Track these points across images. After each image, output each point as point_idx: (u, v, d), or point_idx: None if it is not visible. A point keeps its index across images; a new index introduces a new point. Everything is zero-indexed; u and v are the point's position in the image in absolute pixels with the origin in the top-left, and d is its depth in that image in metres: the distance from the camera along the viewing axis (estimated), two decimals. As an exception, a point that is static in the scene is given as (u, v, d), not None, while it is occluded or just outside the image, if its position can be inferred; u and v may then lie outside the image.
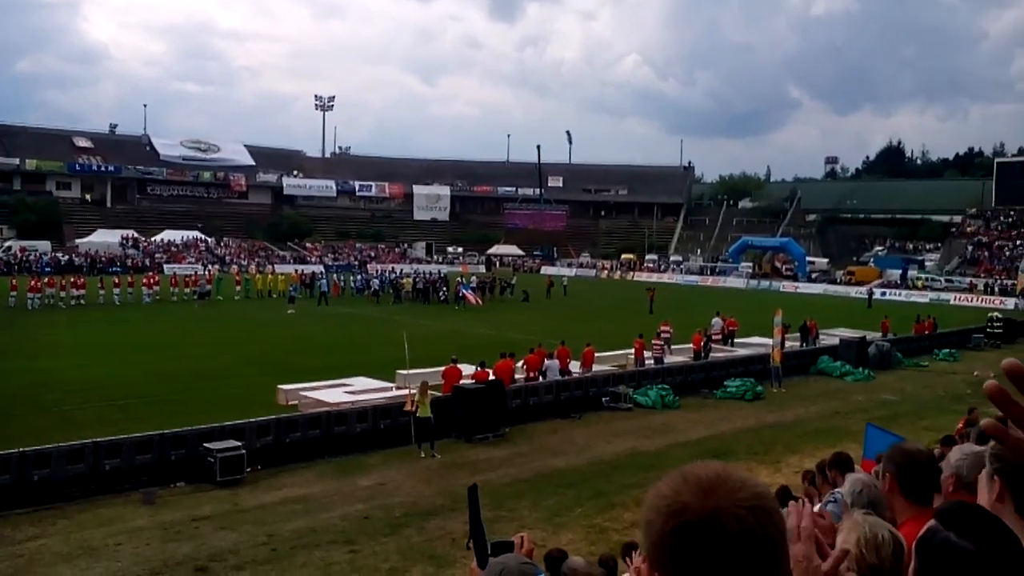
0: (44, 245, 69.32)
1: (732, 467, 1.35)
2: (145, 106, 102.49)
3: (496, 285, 54.31)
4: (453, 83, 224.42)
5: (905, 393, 25.53)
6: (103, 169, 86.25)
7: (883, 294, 62.31)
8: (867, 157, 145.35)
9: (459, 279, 53.90)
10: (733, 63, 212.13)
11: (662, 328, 29.29)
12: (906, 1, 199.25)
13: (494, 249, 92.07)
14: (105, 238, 73.11)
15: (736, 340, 32.93)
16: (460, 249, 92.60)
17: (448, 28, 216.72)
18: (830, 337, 33.61)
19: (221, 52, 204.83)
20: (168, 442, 15.26)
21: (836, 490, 5.28)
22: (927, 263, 75.46)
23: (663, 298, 47.19)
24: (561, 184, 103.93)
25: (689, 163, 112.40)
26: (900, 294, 63.38)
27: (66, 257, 66.80)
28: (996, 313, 42.02)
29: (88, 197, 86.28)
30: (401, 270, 64.02)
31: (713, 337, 31.10)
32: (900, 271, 69.80)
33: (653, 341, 27.86)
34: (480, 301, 47.24)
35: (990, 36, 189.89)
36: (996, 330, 37.79)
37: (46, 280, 45.46)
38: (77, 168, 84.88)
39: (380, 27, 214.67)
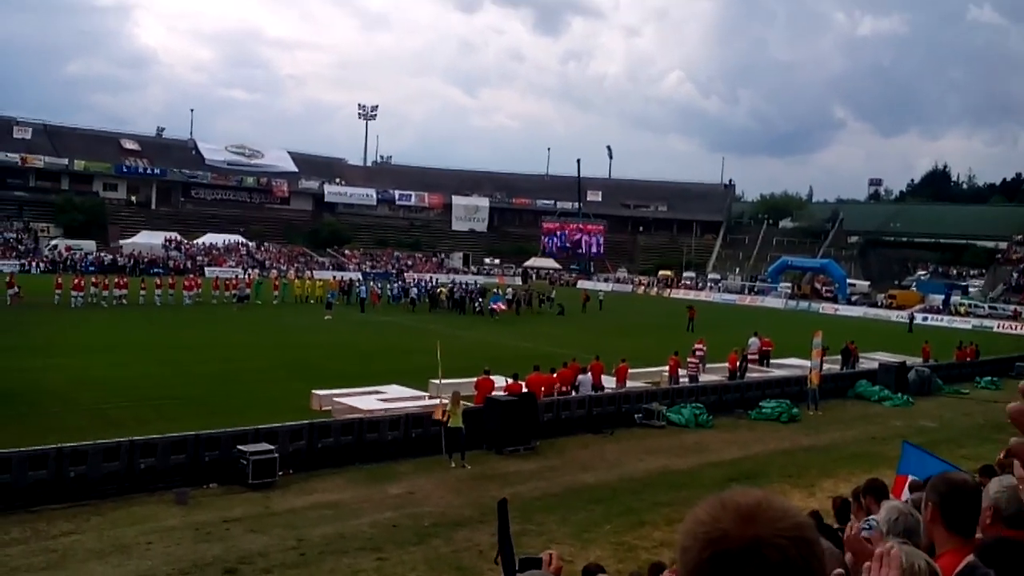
0: (89, 245, 70.54)
1: (772, 495, 1.32)
2: (192, 111, 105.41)
3: (533, 297, 54.26)
4: (495, 95, 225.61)
5: (944, 420, 25.07)
6: (149, 172, 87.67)
7: (924, 319, 61.35)
8: (912, 180, 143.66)
9: (495, 289, 54.14)
10: (777, 81, 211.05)
11: (697, 346, 29.13)
12: (955, 23, 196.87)
13: (531, 262, 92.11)
14: (149, 239, 74.21)
15: (773, 361, 32.59)
16: (497, 261, 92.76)
17: (491, 40, 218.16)
18: (869, 361, 33.14)
19: (268, 60, 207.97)
20: (202, 443, 15.40)
21: (871, 517, 5.19)
22: (971, 289, 74.19)
23: (701, 316, 46.83)
24: (600, 199, 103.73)
25: (730, 181, 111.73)
26: (942, 319, 62.35)
27: (110, 257, 67.91)
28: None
29: (134, 199, 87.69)
30: (438, 280, 64.37)
31: (749, 357, 30.81)
32: (943, 296, 68.68)
33: (688, 359, 27.70)
34: (506, 308, 47.41)
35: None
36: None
37: (92, 280, 46.23)
38: (124, 170, 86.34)
39: (424, 38, 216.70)
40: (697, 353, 28.73)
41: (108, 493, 14.10)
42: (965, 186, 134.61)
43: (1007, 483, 2.92)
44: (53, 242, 70.81)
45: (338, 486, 15.58)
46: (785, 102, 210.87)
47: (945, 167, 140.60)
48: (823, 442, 21.44)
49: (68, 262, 64.23)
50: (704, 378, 27.44)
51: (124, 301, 44.20)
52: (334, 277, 61.85)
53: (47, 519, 13.08)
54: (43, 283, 47.13)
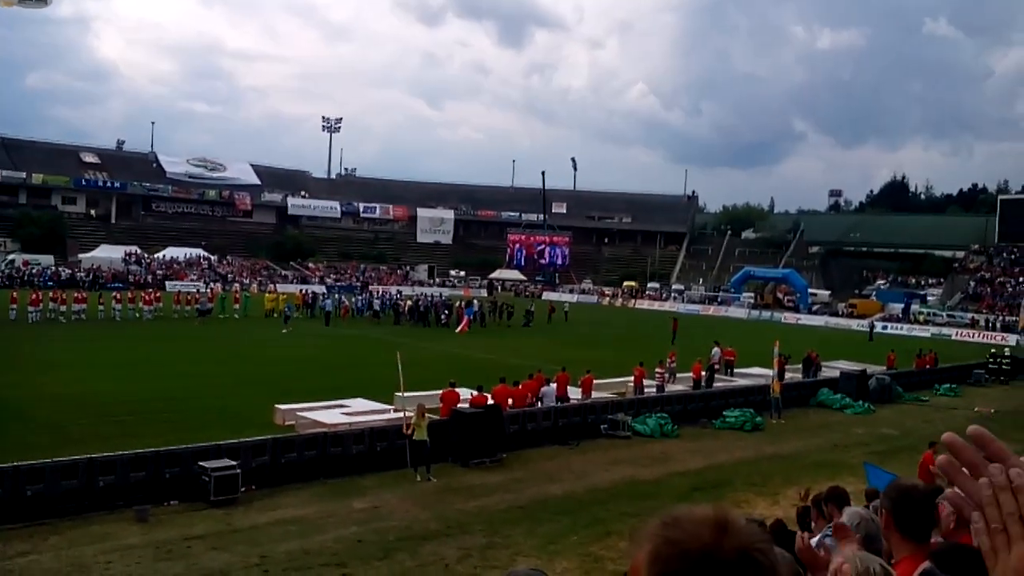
0: (47, 259, 69.38)
1: (727, 507, 1.34)
2: (153, 124, 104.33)
3: (502, 309, 54.08)
4: (460, 108, 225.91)
5: (905, 428, 25.39)
6: (109, 185, 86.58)
7: (884, 327, 62.20)
8: (871, 191, 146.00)
9: (473, 302, 54.36)
10: (739, 94, 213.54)
11: (670, 358, 29.49)
12: (912, 37, 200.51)
13: (496, 273, 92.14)
14: (108, 254, 73.16)
15: (736, 370, 32.85)
16: (462, 273, 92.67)
17: (455, 53, 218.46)
18: (830, 369, 33.50)
19: (229, 72, 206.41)
20: (163, 459, 15.18)
21: (832, 524, 5.24)
22: (929, 298, 75.39)
23: (663, 326, 47.08)
24: (565, 210, 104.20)
25: (693, 192, 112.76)
26: (902, 328, 63.25)
27: (68, 272, 66.85)
28: (1005, 348, 42.06)
29: (93, 212, 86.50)
30: (401, 292, 64.16)
31: (714, 367, 31.05)
32: (902, 305, 69.70)
33: (656, 369, 27.86)
34: (467, 328, 47.06)
35: (996, 74, 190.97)
36: (1002, 366, 37.76)
37: (50, 295, 45.46)
38: (83, 183, 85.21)
39: (387, 51, 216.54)
40: (670, 365, 29.09)
41: (67, 512, 13.82)
42: (923, 197, 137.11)
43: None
44: (10, 257, 69.57)
45: (302, 501, 15.42)
46: (747, 114, 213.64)
47: (903, 178, 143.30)
48: (786, 450, 21.64)
49: (25, 277, 63.13)
50: (670, 388, 27.63)
51: (83, 316, 43.52)
52: (300, 291, 61.40)
53: (3, 539, 12.80)
54: (-1, 298, 46.32)
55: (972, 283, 76.47)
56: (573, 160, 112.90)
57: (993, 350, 40.73)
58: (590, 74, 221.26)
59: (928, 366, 36.90)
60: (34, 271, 65.40)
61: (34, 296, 43.37)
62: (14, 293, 45.07)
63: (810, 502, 7.52)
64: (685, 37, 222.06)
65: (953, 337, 59.34)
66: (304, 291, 60.05)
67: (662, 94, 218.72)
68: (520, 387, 22.56)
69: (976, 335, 59.80)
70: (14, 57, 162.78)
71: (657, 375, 27.79)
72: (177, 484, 15.03)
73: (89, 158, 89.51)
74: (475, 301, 58.54)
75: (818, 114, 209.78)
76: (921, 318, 66.77)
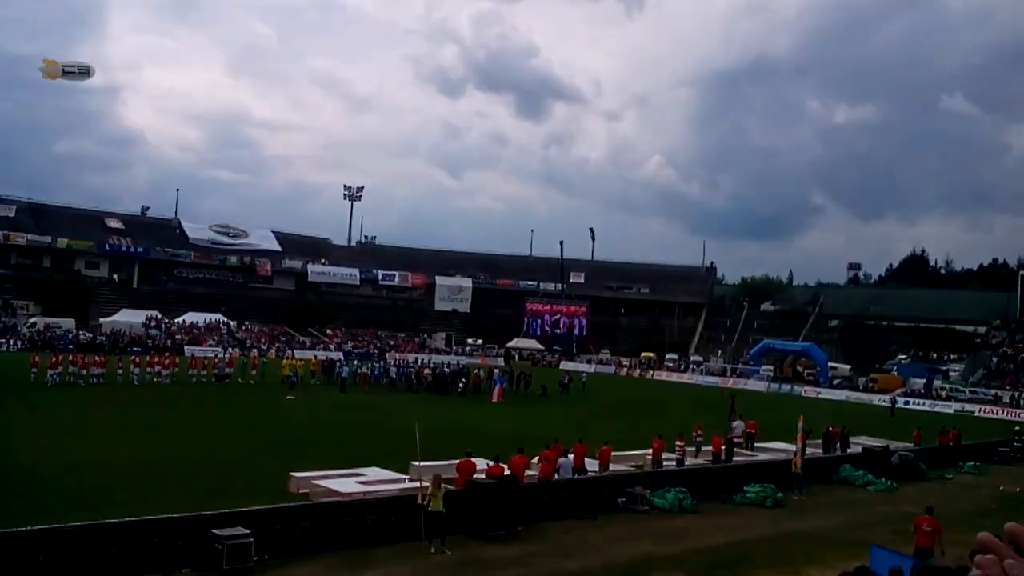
0: (68, 323, 69.95)
1: None
2: (178, 190, 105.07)
3: (520, 379, 53.90)
4: (479, 177, 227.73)
5: (929, 505, 24.84)
6: (132, 250, 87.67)
7: (906, 403, 61.36)
8: (890, 264, 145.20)
9: (493, 372, 54.42)
10: (756, 167, 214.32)
11: (696, 432, 29.34)
12: (928, 112, 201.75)
13: (513, 342, 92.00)
14: (129, 318, 73.73)
15: (757, 444, 32.43)
16: (480, 341, 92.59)
17: (475, 124, 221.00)
18: (852, 445, 32.99)
19: (254, 141, 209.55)
20: (176, 526, 15.04)
21: None
22: (951, 373, 74.54)
23: (681, 398, 46.71)
24: (583, 280, 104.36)
25: (711, 264, 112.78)
26: (923, 403, 62.36)
27: (89, 336, 67.36)
28: None
29: (115, 277, 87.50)
30: (420, 360, 64.16)
31: (735, 440, 30.67)
32: (923, 380, 68.91)
33: (676, 442, 27.60)
34: (501, 397, 47.23)
35: (1014, 149, 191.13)
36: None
37: (70, 358, 45.74)
38: (107, 248, 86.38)
39: (409, 121, 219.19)
40: (696, 439, 29.23)
41: (77, 578, 13.68)
42: (943, 271, 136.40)
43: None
44: (32, 320, 70.26)
45: (315, 572, 15.20)
46: (764, 187, 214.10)
47: (923, 252, 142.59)
48: (808, 527, 21.20)
49: (47, 339, 63.62)
50: (690, 462, 27.35)
51: (102, 380, 43.68)
52: (315, 356, 61.45)
53: (13, 606, 12.66)
54: (20, 360, 46.63)
55: (995, 359, 75.62)
56: (591, 230, 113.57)
57: (1017, 427, 40.02)
58: (608, 146, 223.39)
59: (951, 443, 36.26)
60: (56, 334, 65.93)
61: (54, 359, 43.66)
62: (35, 356, 45.39)
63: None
64: (701, 110, 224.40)
65: (976, 414, 58.46)
66: (317, 357, 60.10)
67: (679, 166, 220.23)
68: (544, 462, 22.23)
69: (1000, 412, 58.92)
70: (43, 124, 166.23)
71: (677, 448, 27.50)
72: (190, 552, 14.85)
73: (113, 223, 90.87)
74: (495, 370, 58.43)
75: (836, 187, 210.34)
76: (943, 394, 65.91)
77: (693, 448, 29.16)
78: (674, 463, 26.68)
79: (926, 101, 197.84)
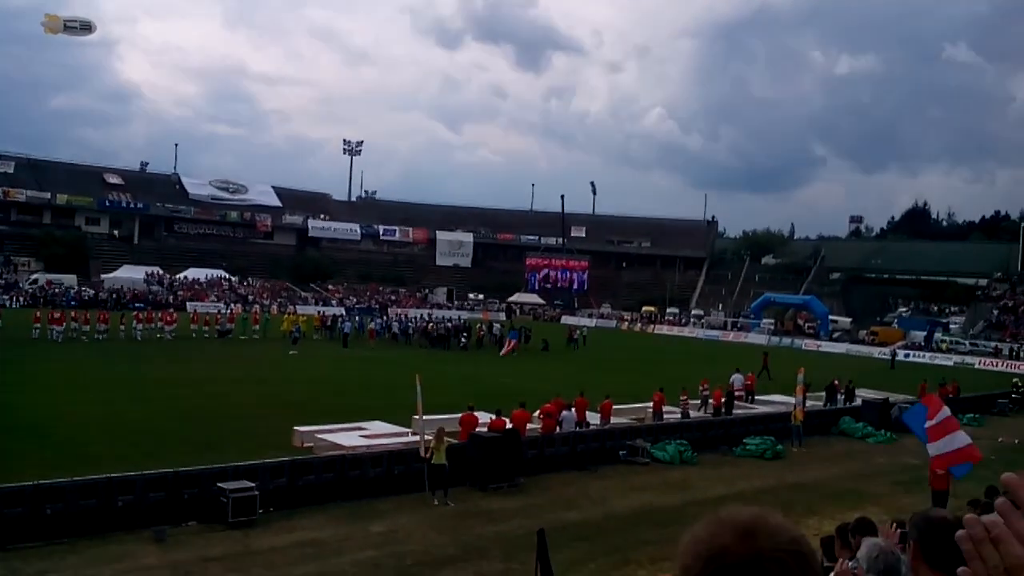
0: (70, 279, 69.99)
1: (768, 511, 1.35)
2: (176, 145, 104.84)
3: (522, 332, 54.10)
4: (478, 131, 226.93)
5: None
6: (132, 206, 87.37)
7: (907, 356, 61.61)
8: (892, 217, 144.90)
9: (497, 325, 55.05)
10: (757, 119, 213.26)
11: (702, 386, 29.56)
12: (931, 62, 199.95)
13: (515, 297, 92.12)
14: (130, 274, 73.77)
15: (757, 397, 32.63)
16: (481, 296, 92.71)
17: (474, 77, 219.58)
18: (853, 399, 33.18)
19: (252, 95, 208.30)
20: (181, 480, 15.20)
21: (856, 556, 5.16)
22: (952, 326, 74.66)
23: (681, 352, 46.87)
24: (584, 234, 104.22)
25: (713, 217, 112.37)
26: (924, 356, 62.62)
27: (91, 292, 67.47)
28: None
29: (116, 233, 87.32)
30: (423, 315, 64.37)
31: (735, 394, 30.85)
32: (924, 333, 69.07)
33: (681, 396, 27.80)
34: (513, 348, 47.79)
35: (1018, 100, 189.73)
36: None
37: (72, 314, 45.87)
38: (107, 204, 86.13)
39: (408, 74, 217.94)
40: (702, 392, 29.67)
41: (85, 531, 13.84)
42: (945, 223, 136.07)
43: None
44: (33, 276, 70.28)
45: (319, 524, 15.38)
46: (766, 139, 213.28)
47: (925, 204, 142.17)
48: (808, 479, 21.41)
49: (49, 296, 63.73)
50: (694, 415, 27.64)
51: (105, 336, 43.84)
52: (318, 312, 61.61)
53: (22, 557, 12.84)
54: (22, 317, 46.79)
55: (995, 311, 75.73)
56: (592, 184, 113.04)
57: (1017, 379, 40.27)
58: (608, 98, 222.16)
59: (950, 395, 36.44)
60: (57, 291, 66.03)
61: (59, 315, 43.80)
62: (37, 312, 45.54)
63: (835, 531, 7.42)
64: (703, 62, 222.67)
65: (976, 366, 58.73)
66: (321, 313, 60.28)
67: (680, 118, 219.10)
68: (546, 417, 22.36)
69: (999, 364, 59.17)
70: (40, 79, 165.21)
71: (682, 402, 27.68)
72: (195, 505, 15.03)
73: (113, 179, 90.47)
74: (496, 325, 58.59)
75: (838, 139, 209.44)
76: (944, 346, 66.11)
77: (698, 401, 29.37)
78: (678, 416, 26.90)
79: (929, 51, 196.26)
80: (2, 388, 26.28)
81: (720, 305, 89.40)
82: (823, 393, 32.79)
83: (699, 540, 1.29)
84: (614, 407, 25.42)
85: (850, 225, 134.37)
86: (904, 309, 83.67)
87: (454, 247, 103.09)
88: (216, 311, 56.61)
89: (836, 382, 33.38)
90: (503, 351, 47.25)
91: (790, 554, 1.26)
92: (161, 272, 76.92)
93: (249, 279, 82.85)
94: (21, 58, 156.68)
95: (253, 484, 15.33)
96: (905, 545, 3.91)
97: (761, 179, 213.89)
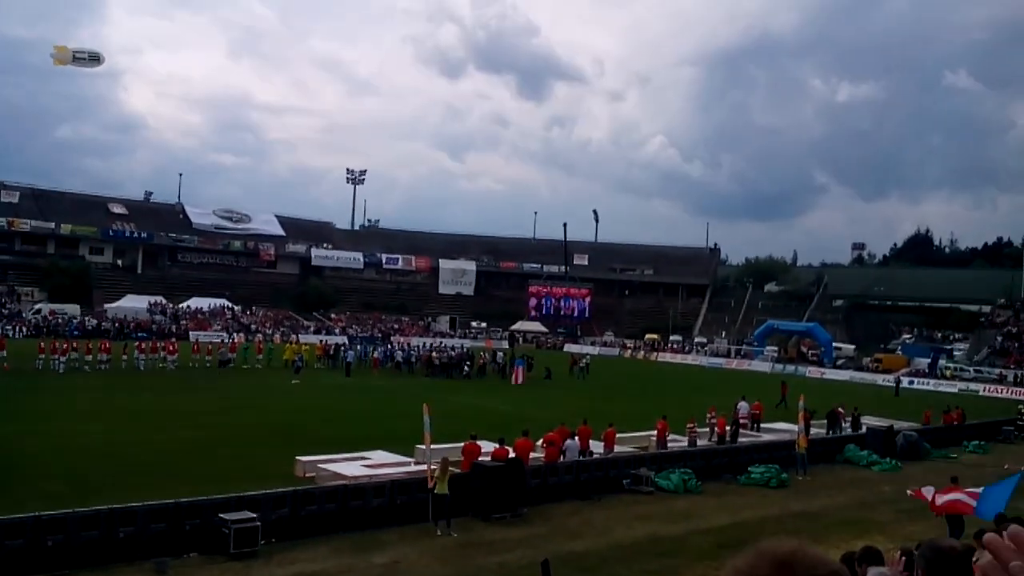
0: (73, 309, 70.14)
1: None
2: (180, 175, 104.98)
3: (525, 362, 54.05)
4: (481, 159, 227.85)
5: (935, 486, 24.89)
6: (136, 235, 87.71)
7: (911, 382, 61.45)
8: (894, 244, 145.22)
9: (499, 353, 55.04)
10: (759, 147, 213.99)
11: (709, 414, 29.40)
12: (931, 90, 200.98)
13: (518, 325, 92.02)
14: (134, 303, 73.85)
15: (762, 425, 32.49)
16: (484, 324, 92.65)
17: (476, 106, 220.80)
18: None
19: (256, 125, 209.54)
20: (183, 511, 15.12)
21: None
22: (955, 353, 74.49)
23: (685, 380, 46.78)
24: (587, 262, 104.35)
25: (715, 245, 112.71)
26: (928, 383, 62.43)
27: (95, 322, 67.53)
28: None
29: (120, 262, 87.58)
30: (427, 344, 64.37)
31: (740, 422, 30.72)
32: (928, 359, 68.87)
33: (688, 424, 27.67)
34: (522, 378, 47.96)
35: (1018, 126, 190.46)
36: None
37: (73, 344, 45.89)
38: (111, 234, 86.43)
39: (411, 104, 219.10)
40: (709, 421, 29.41)
41: (86, 563, 13.75)
42: (947, 250, 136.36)
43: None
44: (37, 306, 70.41)
45: (321, 555, 15.27)
46: (767, 167, 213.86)
47: (927, 231, 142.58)
48: (813, 507, 21.26)
49: (52, 326, 63.78)
50: (701, 443, 27.53)
51: (107, 366, 43.83)
52: (320, 341, 61.62)
53: (22, 591, 12.75)
54: (26, 347, 46.80)
55: (999, 338, 75.57)
56: (595, 212, 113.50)
57: (1021, 406, 40.06)
58: (610, 126, 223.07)
59: (955, 422, 36.31)
60: (60, 321, 66.09)
61: (64, 346, 43.84)
62: (41, 343, 45.55)
63: (840, 561, 7.37)
64: (703, 90, 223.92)
65: (980, 393, 58.53)
66: (324, 342, 60.29)
67: (681, 146, 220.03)
68: (549, 446, 22.26)
69: (1004, 391, 58.95)
70: (45, 109, 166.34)
71: (688, 430, 27.56)
72: (197, 536, 14.93)
73: (117, 209, 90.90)
74: (498, 353, 58.54)
75: (839, 167, 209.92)
76: (948, 373, 65.92)
77: (707, 429, 29.22)
78: (685, 444, 26.78)
79: (929, 78, 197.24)
80: (3, 418, 26.23)
81: (723, 332, 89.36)
82: (825, 420, 32.67)
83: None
84: (618, 435, 25.31)
85: (852, 252, 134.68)
86: (908, 336, 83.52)
87: (457, 275, 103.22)
88: (219, 340, 56.63)
89: (839, 409, 33.25)
90: (518, 380, 47.49)
91: None
92: (164, 301, 77.02)
93: (252, 308, 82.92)
94: (27, 89, 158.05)
95: (255, 515, 15.25)
96: (911, 574, 3.90)
97: (763, 206, 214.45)
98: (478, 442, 20.75)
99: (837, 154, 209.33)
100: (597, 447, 24.34)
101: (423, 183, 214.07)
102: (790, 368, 70.99)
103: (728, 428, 29.17)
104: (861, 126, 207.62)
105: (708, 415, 29.93)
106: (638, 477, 21.88)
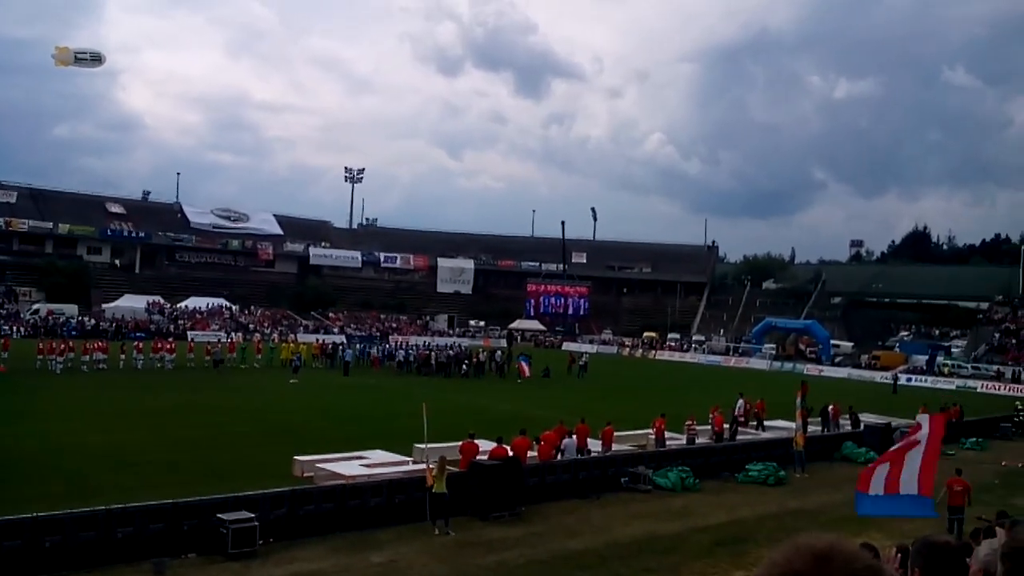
0: (71, 309, 70.09)
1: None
2: (179, 174, 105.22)
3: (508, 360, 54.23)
4: (479, 157, 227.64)
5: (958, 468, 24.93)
6: (134, 235, 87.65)
7: (909, 380, 61.49)
8: (893, 241, 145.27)
9: (498, 351, 55.28)
10: (757, 143, 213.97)
11: (712, 412, 29.40)
12: (930, 86, 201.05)
13: (516, 324, 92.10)
14: (131, 303, 73.84)
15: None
16: (482, 323, 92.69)
17: (474, 103, 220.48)
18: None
19: (255, 124, 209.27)
20: (181, 511, 15.12)
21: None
22: (954, 350, 74.59)
23: (683, 378, 46.83)
24: (585, 260, 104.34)
25: (713, 242, 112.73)
26: (926, 380, 62.48)
27: (92, 322, 67.48)
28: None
29: (117, 262, 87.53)
30: (425, 342, 64.42)
31: (739, 419, 30.72)
32: (926, 357, 68.96)
33: (687, 422, 27.65)
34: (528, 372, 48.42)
35: (1016, 123, 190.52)
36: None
37: (70, 344, 45.84)
38: (108, 233, 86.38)
39: (409, 102, 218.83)
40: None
41: (85, 563, 13.75)
42: (945, 247, 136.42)
43: (997, 546, 2.92)
44: (35, 306, 70.36)
45: (319, 555, 15.29)
46: (766, 164, 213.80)
47: (925, 228, 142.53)
48: (811, 505, 21.29)
49: (50, 326, 63.72)
50: (701, 441, 27.52)
51: (104, 366, 43.80)
52: (316, 340, 61.59)
53: (20, 591, 12.75)
54: (24, 347, 46.77)
55: (997, 335, 75.65)
56: (593, 210, 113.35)
57: (1019, 403, 40.10)
58: (608, 124, 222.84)
59: (953, 419, 36.31)
60: (59, 321, 66.05)
61: (61, 346, 43.79)
62: (40, 344, 45.50)
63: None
64: (702, 87, 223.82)
65: (978, 390, 58.57)
66: (320, 341, 60.28)
67: (680, 143, 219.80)
68: (543, 443, 22.28)
69: (1002, 387, 59.01)
70: (43, 108, 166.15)
71: (687, 427, 27.56)
72: (195, 536, 14.93)
73: (115, 208, 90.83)
74: (498, 351, 58.55)
75: (837, 164, 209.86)
76: (946, 370, 65.99)
77: (708, 427, 29.15)
78: (683, 442, 26.78)
79: (927, 75, 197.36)
80: (1, 419, 26.22)
81: (721, 330, 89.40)
82: (820, 418, 32.66)
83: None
84: (615, 434, 25.33)
85: (851, 249, 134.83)
86: (906, 333, 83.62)
87: (455, 274, 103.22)
88: (217, 340, 56.62)
89: (831, 407, 33.21)
90: (525, 374, 48.02)
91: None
92: (162, 301, 76.98)
93: (250, 307, 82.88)
94: (25, 88, 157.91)
95: (253, 515, 15.25)
96: (907, 570, 3.91)
97: (761, 204, 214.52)
98: (476, 441, 20.77)
99: (835, 151, 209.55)
100: (595, 445, 24.36)
101: (421, 181, 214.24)
102: (788, 366, 71.02)
103: (726, 426, 29.16)
104: (859, 123, 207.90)
105: (710, 413, 29.79)
106: (636, 475, 21.90)
